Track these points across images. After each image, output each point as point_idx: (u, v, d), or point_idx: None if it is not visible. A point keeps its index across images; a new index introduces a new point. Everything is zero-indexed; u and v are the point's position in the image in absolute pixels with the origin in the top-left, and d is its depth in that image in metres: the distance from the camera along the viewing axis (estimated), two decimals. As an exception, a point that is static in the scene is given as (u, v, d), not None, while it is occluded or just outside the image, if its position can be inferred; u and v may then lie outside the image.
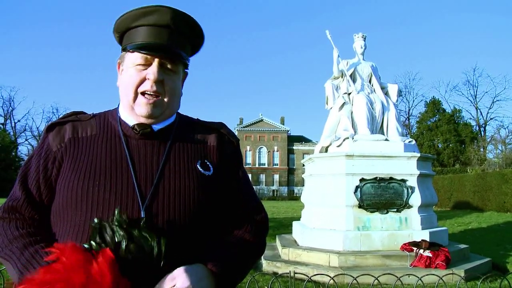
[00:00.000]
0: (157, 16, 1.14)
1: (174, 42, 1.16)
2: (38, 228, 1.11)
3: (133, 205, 1.06)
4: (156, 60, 1.15)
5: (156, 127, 1.19)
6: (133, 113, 1.18)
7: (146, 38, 1.14)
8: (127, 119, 1.20)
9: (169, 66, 1.17)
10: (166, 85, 1.17)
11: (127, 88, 1.17)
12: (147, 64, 1.15)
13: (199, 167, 1.18)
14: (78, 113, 1.26)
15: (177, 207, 1.10)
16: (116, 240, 0.98)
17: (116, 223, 1.00)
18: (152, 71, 1.14)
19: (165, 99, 1.18)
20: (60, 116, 1.25)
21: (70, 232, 1.06)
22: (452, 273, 4.99)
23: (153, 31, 1.14)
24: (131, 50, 1.16)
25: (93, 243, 0.97)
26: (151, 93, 1.15)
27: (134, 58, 1.16)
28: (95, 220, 1.01)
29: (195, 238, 1.11)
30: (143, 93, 1.15)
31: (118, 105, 1.26)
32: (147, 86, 1.14)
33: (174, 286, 0.97)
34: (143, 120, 1.17)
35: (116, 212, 1.02)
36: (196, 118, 1.35)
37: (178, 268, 1.00)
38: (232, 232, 1.21)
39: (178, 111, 1.30)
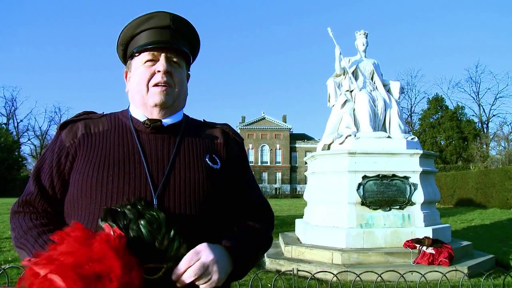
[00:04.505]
0: (157, 20, 1.26)
1: (176, 40, 1.26)
2: (51, 220, 1.18)
3: (145, 194, 1.12)
4: (163, 54, 1.25)
5: (166, 122, 1.26)
6: (145, 109, 1.26)
7: (151, 38, 1.25)
8: (138, 116, 1.28)
9: (174, 59, 1.27)
10: (175, 77, 1.26)
11: (139, 84, 1.25)
12: (155, 60, 1.25)
13: (207, 161, 1.25)
14: (89, 112, 1.34)
15: (187, 197, 1.16)
16: (126, 221, 1.02)
17: (128, 205, 1.05)
18: (161, 63, 1.24)
19: (176, 89, 1.27)
20: (72, 116, 1.32)
21: (84, 221, 1.11)
22: (455, 270, 4.98)
23: (156, 32, 1.25)
24: (137, 54, 1.27)
25: (100, 223, 1.01)
26: (163, 84, 1.24)
27: (142, 57, 1.26)
28: (109, 207, 1.06)
29: (204, 227, 1.17)
30: (155, 86, 1.24)
31: (128, 107, 1.34)
32: (158, 78, 1.24)
33: (198, 259, 1.03)
34: (155, 114, 1.25)
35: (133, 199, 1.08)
36: (202, 119, 1.42)
37: (201, 244, 1.07)
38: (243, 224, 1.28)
39: (184, 112, 1.37)
